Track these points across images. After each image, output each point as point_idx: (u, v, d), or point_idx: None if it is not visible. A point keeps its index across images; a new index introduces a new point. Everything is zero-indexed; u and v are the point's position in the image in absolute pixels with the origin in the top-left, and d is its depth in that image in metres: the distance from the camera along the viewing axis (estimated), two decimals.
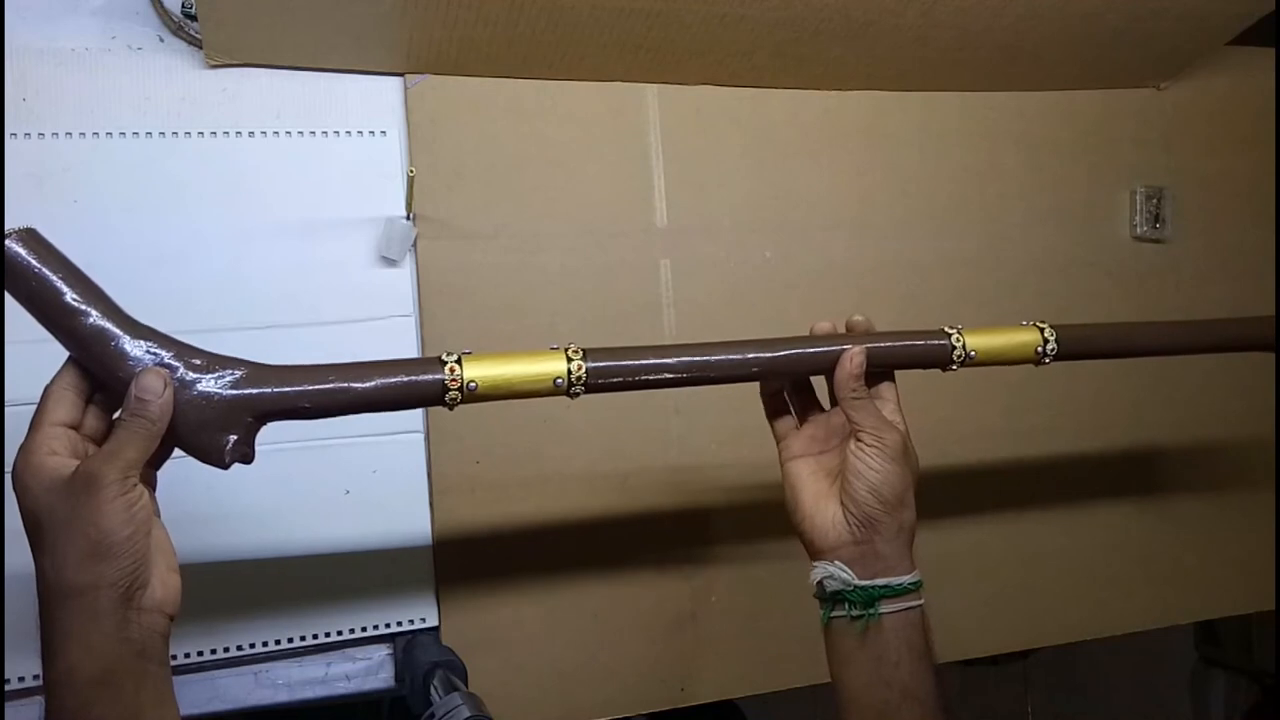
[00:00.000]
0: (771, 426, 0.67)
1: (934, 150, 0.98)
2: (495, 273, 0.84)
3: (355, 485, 0.79)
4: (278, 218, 0.79)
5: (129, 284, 0.75)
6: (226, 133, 0.79)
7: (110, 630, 0.47)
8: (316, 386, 0.52)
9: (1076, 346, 0.68)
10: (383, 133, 0.82)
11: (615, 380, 0.58)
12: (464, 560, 0.82)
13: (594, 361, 0.57)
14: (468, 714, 0.67)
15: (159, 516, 0.52)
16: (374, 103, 0.83)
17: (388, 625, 0.80)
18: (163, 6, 0.78)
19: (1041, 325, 0.67)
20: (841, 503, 0.60)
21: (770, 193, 0.93)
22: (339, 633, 0.79)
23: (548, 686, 0.84)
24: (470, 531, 0.82)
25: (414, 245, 0.82)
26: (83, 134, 0.76)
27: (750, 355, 0.61)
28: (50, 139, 0.75)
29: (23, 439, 0.49)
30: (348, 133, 0.81)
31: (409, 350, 0.81)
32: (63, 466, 0.48)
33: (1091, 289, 1.03)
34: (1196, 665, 1.80)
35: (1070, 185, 1.03)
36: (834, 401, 0.63)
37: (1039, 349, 0.66)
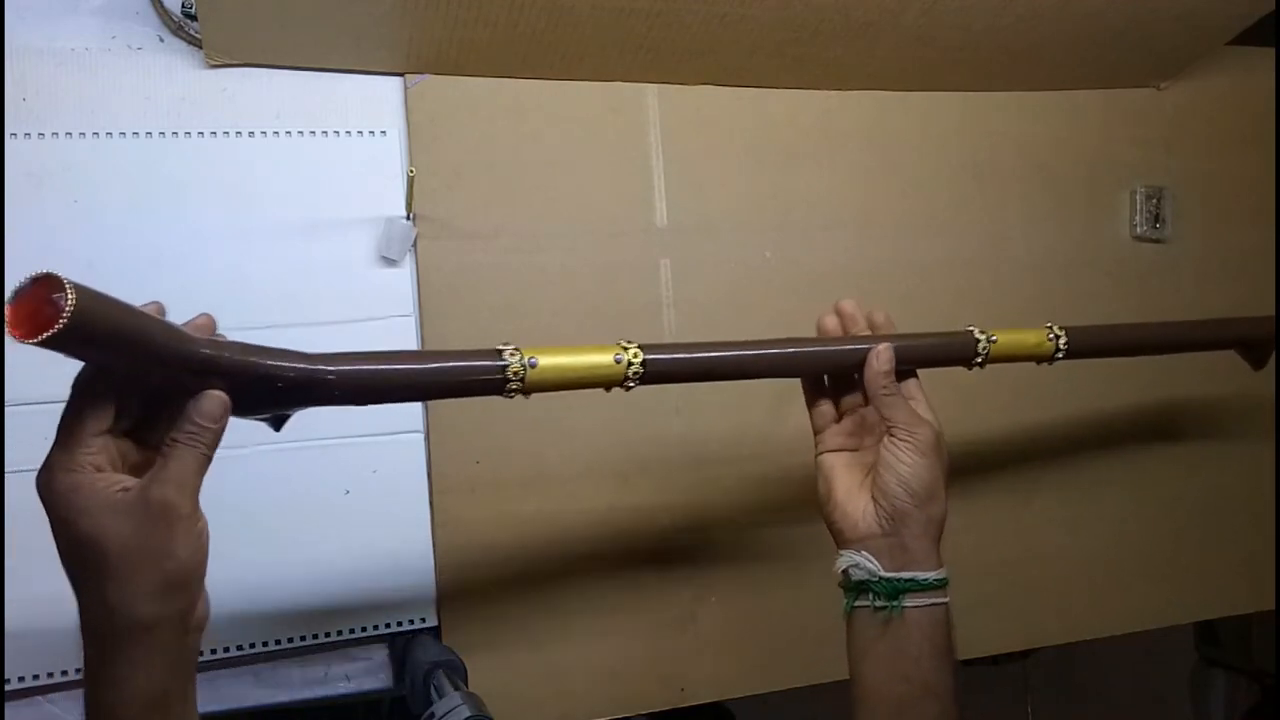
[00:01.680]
0: (810, 417, 0.68)
1: (934, 150, 0.98)
2: (495, 273, 0.84)
3: (355, 485, 0.79)
4: (278, 218, 0.79)
5: (129, 284, 0.76)
6: (226, 133, 0.79)
7: (172, 658, 0.46)
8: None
9: (1087, 346, 0.71)
10: (383, 133, 0.82)
11: (669, 373, 0.59)
12: (464, 560, 0.82)
13: (651, 354, 0.58)
14: (468, 714, 0.67)
15: None
16: (374, 103, 0.83)
17: (388, 625, 0.80)
18: (163, 6, 0.78)
19: (1050, 325, 0.70)
20: (872, 495, 0.61)
21: (770, 193, 0.93)
22: (339, 633, 0.79)
23: (548, 686, 0.84)
24: (470, 531, 0.82)
25: (414, 245, 0.82)
26: (83, 134, 0.76)
27: (788, 351, 0.63)
28: (50, 139, 0.75)
29: (54, 446, 0.46)
30: (348, 133, 0.81)
31: (409, 349, 0.81)
32: (116, 486, 0.45)
33: (1091, 289, 1.03)
34: (1196, 665, 1.80)
35: (1070, 185, 1.03)
36: (867, 398, 0.64)
37: (1052, 349, 0.70)
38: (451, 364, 0.53)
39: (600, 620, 0.86)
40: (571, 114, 0.88)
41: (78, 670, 0.73)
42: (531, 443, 0.84)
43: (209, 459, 0.47)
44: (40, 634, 0.72)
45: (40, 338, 0.39)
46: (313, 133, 0.81)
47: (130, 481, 0.46)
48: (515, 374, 0.53)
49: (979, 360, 0.68)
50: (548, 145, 0.87)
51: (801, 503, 0.92)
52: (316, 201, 0.80)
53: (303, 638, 0.78)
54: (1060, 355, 0.71)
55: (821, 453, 0.66)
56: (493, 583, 0.83)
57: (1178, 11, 0.92)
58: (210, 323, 0.49)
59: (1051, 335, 0.71)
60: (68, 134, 0.76)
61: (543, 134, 0.87)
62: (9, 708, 0.72)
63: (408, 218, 0.81)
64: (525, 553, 0.84)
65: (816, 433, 0.67)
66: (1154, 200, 1.04)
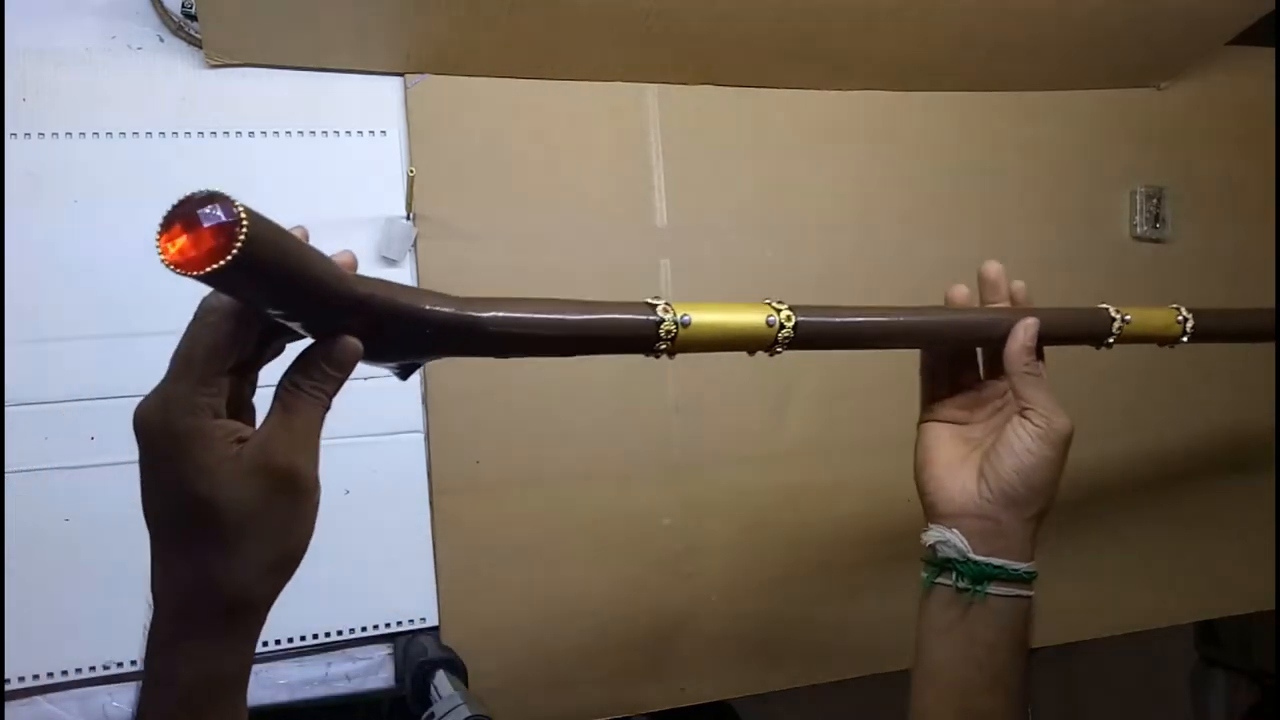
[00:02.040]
0: (921, 383, 0.64)
1: (934, 150, 0.98)
2: (495, 273, 0.84)
3: (355, 485, 0.79)
4: (278, 218, 0.78)
5: (129, 284, 0.76)
6: (226, 133, 0.79)
7: (256, 640, 0.42)
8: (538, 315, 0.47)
9: (1214, 328, 0.68)
10: (383, 133, 0.82)
11: (818, 336, 0.55)
12: (464, 560, 0.82)
13: (803, 316, 0.54)
14: (468, 714, 0.67)
15: None
16: (374, 103, 0.83)
17: (388, 625, 0.80)
18: (163, 6, 0.78)
19: (1177, 306, 0.67)
20: (981, 472, 0.57)
21: (770, 193, 0.93)
22: (339, 633, 0.79)
23: (548, 686, 0.84)
24: (470, 531, 0.82)
25: (414, 245, 0.82)
26: (83, 134, 0.76)
27: (936, 320, 0.60)
28: (50, 139, 0.75)
29: (171, 379, 0.38)
30: (348, 133, 0.81)
31: None
32: (233, 436, 0.39)
33: (1091, 289, 1.02)
34: (1196, 665, 1.80)
35: (1070, 185, 1.03)
36: (990, 372, 0.61)
37: (1179, 332, 0.67)
38: (606, 315, 0.49)
39: (600, 620, 0.86)
40: (571, 114, 0.88)
41: (78, 670, 0.73)
42: (531, 443, 0.84)
43: (326, 415, 0.41)
44: (40, 634, 0.72)
45: (213, 267, 0.33)
46: (313, 133, 0.81)
47: (245, 431, 0.39)
48: (667, 333, 0.49)
49: (1111, 340, 0.64)
50: (548, 145, 0.87)
51: (802, 502, 0.92)
52: (316, 201, 0.80)
53: (303, 638, 0.78)
54: (1185, 339, 0.67)
55: (926, 421, 0.62)
56: (493, 583, 0.83)
57: (1178, 11, 0.92)
58: (354, 260, 0.43)
59: (1180, 317, 0.66)
60: (68, 134, 0.76)
61: (543, 134, 0.87)
62: (9, 708, 0.72)
63: (408, 218, 0.81)
64: (525, 553, 0.84)
65: (925, 399, 0.63)
66: (1154, 200, 1.04)
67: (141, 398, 0.39)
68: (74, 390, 0.74)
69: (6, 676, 0.71)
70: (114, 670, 0.74)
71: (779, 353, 0.54)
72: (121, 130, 0.77)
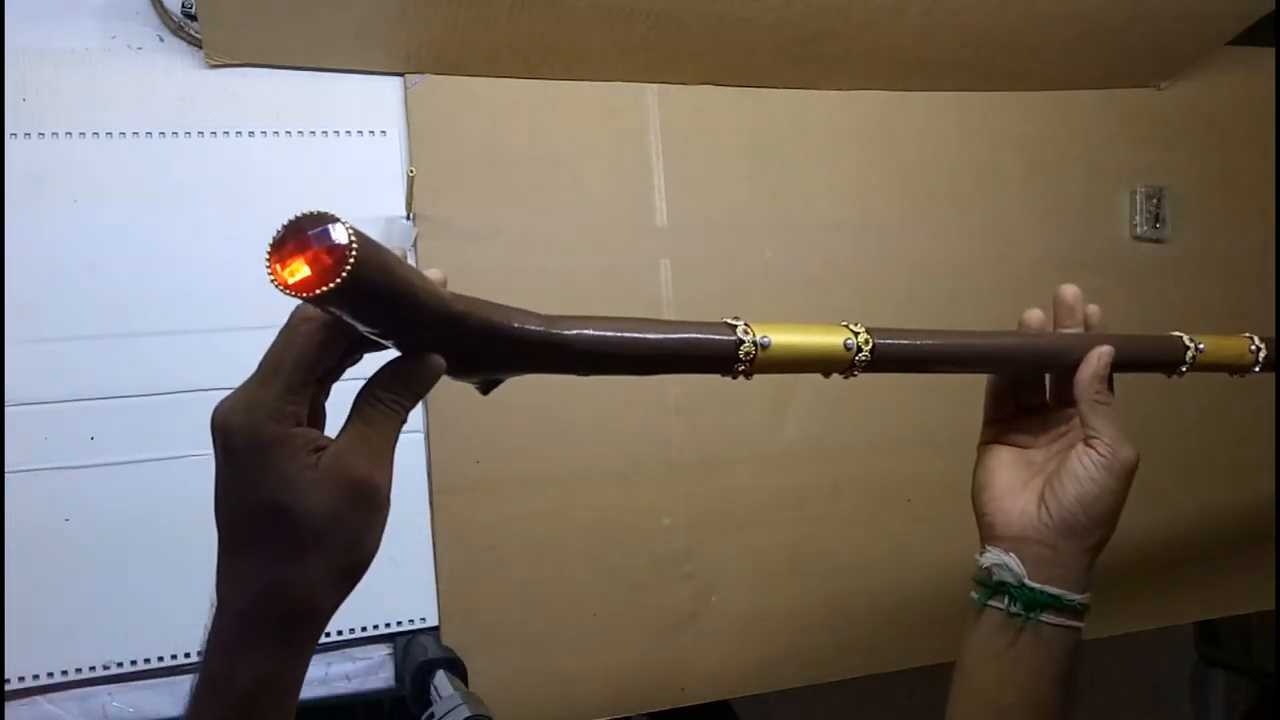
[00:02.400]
0: (986, 404, 0.63)
1: (934, 150, 0.98)
2: (495, 273, 0.84)
3: None
4: (278, 218, 0.78)
5: (129, 284, 0.76)
6: (226, 133, 0.79)
7: (313, 650, 0.42)
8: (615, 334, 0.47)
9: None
10: (383, 133, 0.82)
11: (895, 359, 0.54)
12: (464, 560, 0.82)
13: (881, 339, 0.53)
14: (468, 714, 0.67)
15: None
16: (374, 103, 0.83)
17: (388, 625, 0.80)
18: (163, 6, 0.78)
19: (1251, 336, 0.66)
20: (1042, 498, 0.56)
21: (770, 193, 0.93)
22: (339, 633, 0.79)
23: (548, 686, 0.84)
24: (470, 531, 0.82)
25: (414, 245, 0.82)
26: (83, 134, 0.76)
27: (1014, 343, 0.58)
28: (50, 139, 0.75)
29: (256, 384, 0.38)
30: (348, 133, 0.81)
31: None
32: (311, 445, 0.39)
33: (1091, 289, 1.01)
34: (1196, 665, 1.80)
35: (1070, 185, 1.03)
36: (1058, 398, 0.60)
37: (1250, 361, 0.66)
38: (687, 335, 0.49)
39: (600, 620, 0.86)
40: (571, 114, 0.88)
41: (78, 670, 0.73)
42: (531, 443, 0.84)
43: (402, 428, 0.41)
44: (40, 634, 0.72)
45: (324, 289, 0.33)
46: (313, 133, 0.81)
47: (323, 439, 0.39)
48: (746, 354, 0.49)
49: (1183, 368, 0.63)
50: (548, 145, 0.87)
51: (802, 502, 0.92)
52: (316, 201, 0.79)
53: None
54: (1258, 368, 0.66)
55: (988, 442, 0.62)
56: (493, 583, 0.83)
57: (1178, 11, 0.92)
58: (444, 278, 0.44)
59: (1253, 346, 0.65)
60: (68, 134, 0.76)
61: (543, 134, 0.87)
62: (9, 708, 0.72)
63: (408, 218, 0.81)
64: (525, 553, 0.84)
65: (988, 420, 0.62)
66: (1154, 200, 1.04)
67: (223, 396, 0.39)
68: (74, 390, 0.74)
69: (6, 676, 0.71)
70: (114, 670, 0.74)
71: (855, 375, 0.53)
72: (121, 130, 0.77)
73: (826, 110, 0.95)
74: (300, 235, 0.35)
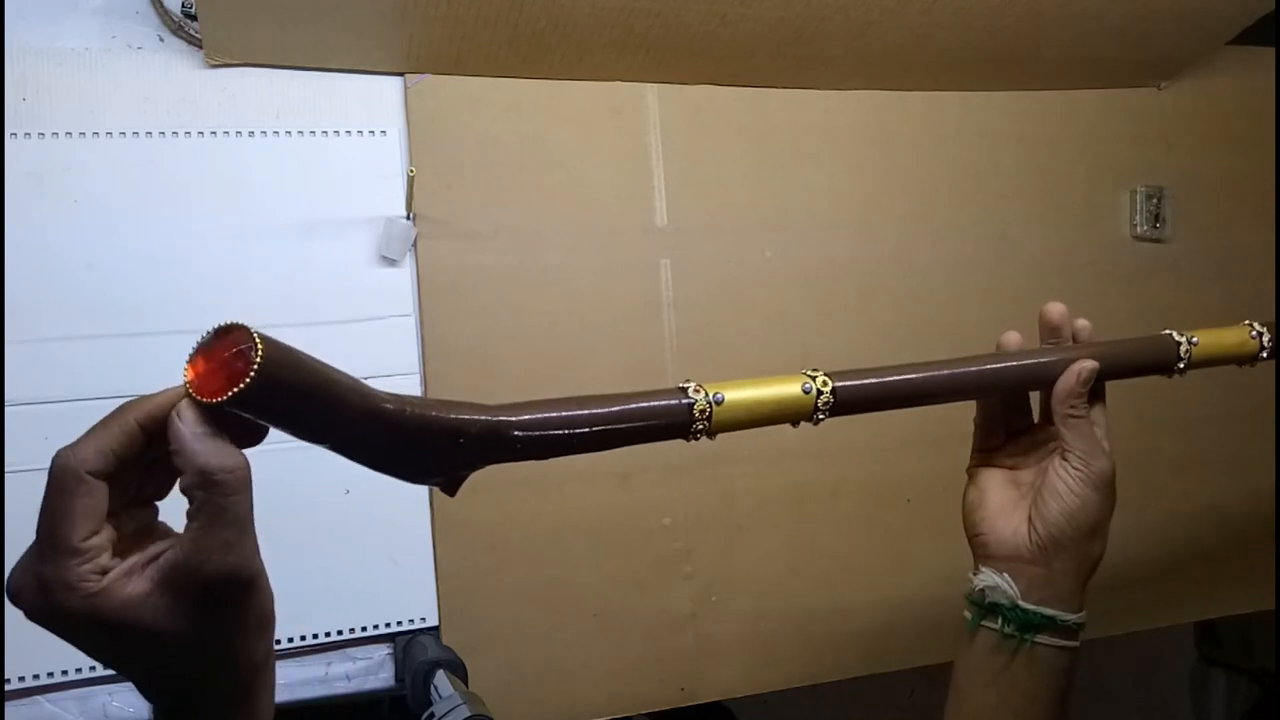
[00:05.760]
0: (976, 426, 0.62)
1: (934, 150, 0.98)
2: (495, 273, 0.84)
3: (355, 485, 0.79)
4: (278, 218, 0.79)
5: (129, 284, 0.76)
6: (226, 133, 0.79)
7: (271, 687, 0.43)
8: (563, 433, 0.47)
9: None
10: (383, 133, 0.82)
11: (860, 400, 0.53)
12: (464, 560, 0.82)
13: (841, 381, 0.52)
14: (468, 714, 0.67)
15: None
16: (374, 103, 0.83)
17: (388, 625, 0.80)
18: (163, 6, 0.78)
19: (1250, 323, 0.63)
20: (1030, 518, 0.56)
21: (770, 193, 0.93)
22: (339, 633, 0.79)
23: (548, 686, 0.84)
24: (470, 531, 0.82)
25: (414, 245, 0.82)
26: (83, 134, 0.76)
27: (993, 368, 0.57)
28: (50, 139, 0.75)
29: (38, 559, 0.37)
30: (348, 133, 0.81)
31: (409, 350, 0.81)
32: (140, 564, 0.37)
33: (1091, 289, 1.03)
34: (1196, 665, 1.80)
35: (1070, 185, 1.03)
36: (1045, 416, 0.59)
37: (1256, 348, 0.62)
38: (640, 405, 0.49)
39: (600, 620, 0.86)
40: (571, 114, 0.88)
41: (78, 670, 0.73)
42: None
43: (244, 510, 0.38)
44: (40, 634, 0.72)
45: (231, 393, 0.35)
46: (313, 133, 0.81)
47: (159, 546, 0.38)
48: (702, 412, 0.49)
49: (1180, 366, 0.61)
50: (548, 145, 0.87)
51: (802, 502, 0.92)
52: (316, 201, 0.80)
53: (303, 637, 0.78)
54: (1265, 354, 0.63)
55: (979, 464, 0.61)
56: (493, 583, 0.83)
57: (1178, 11, 0.92)
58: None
59: (1254, 332, 0.62)
60: (68, 134, 0.76)
61: (543, 134, 0.87)
62: (9, 708, 0.72)
63: (408, 218, 0.81)
64: (525, 553, 0.84)
65: (977, 445, 0.62)
66: (1154, 200, 1.04)
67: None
68: (74, 390, 0.74)
69: (6, 676, 0.71)
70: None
71: (822, 419, 0.52)
72: (121, 130, 0.77)
73: (826, 110, 0.95)
74: (213, 345, 0.36)
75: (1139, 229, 1.04)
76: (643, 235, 0.89)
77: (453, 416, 0.43)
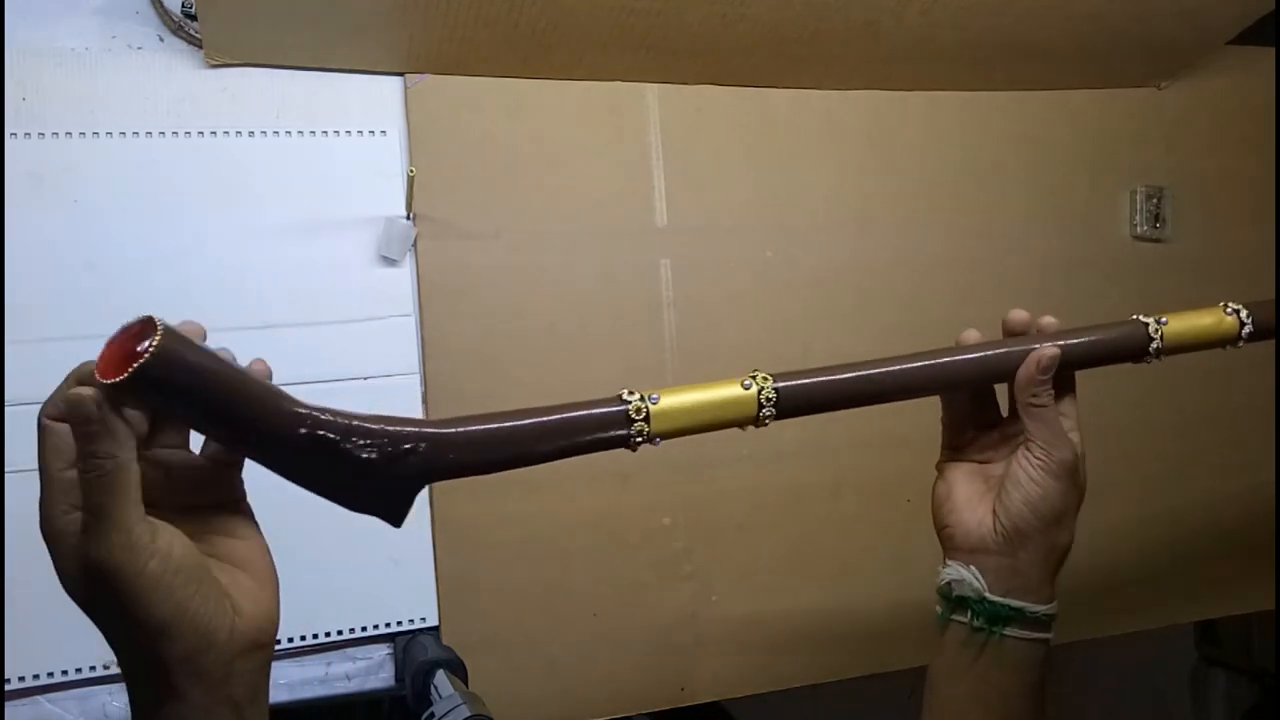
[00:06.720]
0: (943, 423, 0.62)
1: (934, 150, 0.98)
2: (495, 273, 0.84)
3: None
4: (278, 218, 0.79)
5: (129, 284, 0.76)
6: (226, 133, 0.79)
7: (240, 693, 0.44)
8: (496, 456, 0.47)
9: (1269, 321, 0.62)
10: (383, 133, 0.82)
11: (806, 401, 0.53)
12: (464, 560, 0.82)
13: (783, 382, 0.52)
14: (468, 714, 0.67)
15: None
16: (374, 103, 0.83)
17: (388, 625, 0.80)
18: (163, 6, 0.78)
19: (1225, 303, 0.62)
20: (994, 509, 0.56)
21: (770, 193, 0.93)
22: (339, 633, 0.79)
23: (548, 686, 0.84)
24: (470, 531, 0.82)
25: (414, 245, 0.82)
26: (83, 134, 0.76)
27: (944, 362, 0.56)
28: (50, 139, 0.75)
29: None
30: (348, 133, 0.81)
31: (409, 350, 0.81)
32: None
33: (1091, 289, 1.03)
34: (1196, 665, 1.80)
35: (1070, 185, 1.03)
36: (1014, 409, 0.58)
37: (1235, 328, 0.61)
38: (571, 415, 0.49)
39: (600, 620, 0.86)
40: (571, 114, 0.88)
41: (78, 670, 0.73)
42: None
43: (130, 470, 0.40)
44: (40, 634, 0.72)
45: (119, 378, 0.38)
46: (313, 133, 0.81)
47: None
48: (639, 413, 0.49)
49: (1154, 347, 0.58)
50: (548, 145, 0.87)
51: (802, 502, 0.92)
52: (316, 201, 0.80)
53: (303, 638, 0.78)
54: (1245, 334, 0.61)
55: (947, 460, 0.61)
56: (493, 583, 0.83)
57: (1178, 11, 0.92)
58: (268, 369, 0.45)
59: (1229, 310, 0.60)
60: (68, 134, 0.76)
61: (543, 134, 0.87)
62: (9, 708, 0.72)
63: (408, 218, 0.81)
64: (525, 552, 0.84)
65: (946, 442, 0.61)
66: (1154, 200, 1.04)
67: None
68: None
69: (6, 676, 0.71)
70: (114, 670, 0.73)
71: (768, 422, 0.52)
72: (121, 130, 0.77)
73: (826, 110, 0.95)
74: (118, 337, 0.40)
75: (1139, 229, 1.04)
76: (643, 235, 0.89)
77: (373, 427, 0.44)
